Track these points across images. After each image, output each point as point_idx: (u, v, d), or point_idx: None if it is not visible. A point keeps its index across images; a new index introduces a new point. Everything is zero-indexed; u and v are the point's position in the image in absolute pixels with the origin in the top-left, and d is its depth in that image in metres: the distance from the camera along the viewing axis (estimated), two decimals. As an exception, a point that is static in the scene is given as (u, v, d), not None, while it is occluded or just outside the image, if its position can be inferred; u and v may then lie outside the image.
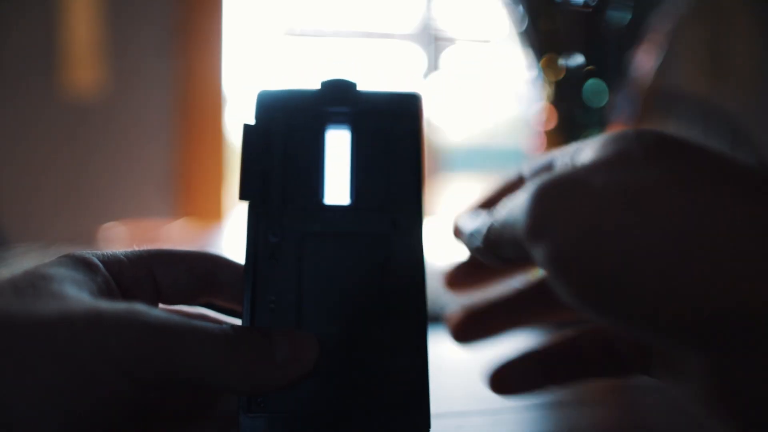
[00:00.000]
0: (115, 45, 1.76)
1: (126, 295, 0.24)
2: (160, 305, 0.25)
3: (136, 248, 0.25)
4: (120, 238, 0.87)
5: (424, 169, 0.26)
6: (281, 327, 0.23)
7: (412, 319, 0.24)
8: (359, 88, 0.26)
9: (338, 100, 0.26)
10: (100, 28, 1.75)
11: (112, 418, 0.19)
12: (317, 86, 0.26)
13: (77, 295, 0.20)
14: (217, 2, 1.87)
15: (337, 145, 0.26)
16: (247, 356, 0.21)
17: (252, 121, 0.25)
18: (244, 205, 0.25)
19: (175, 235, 0.90)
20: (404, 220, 0.25)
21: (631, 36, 0.52)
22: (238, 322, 0.27)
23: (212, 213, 1.84)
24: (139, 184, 1.80)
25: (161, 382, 0.20)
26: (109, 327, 0.19)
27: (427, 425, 0.23)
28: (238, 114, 1.91)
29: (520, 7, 0.53)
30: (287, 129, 0.25)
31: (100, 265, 0.23)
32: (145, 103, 1.80)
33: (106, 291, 0.22)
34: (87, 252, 0.23)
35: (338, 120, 0.26)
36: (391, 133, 0.26)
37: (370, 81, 0.26)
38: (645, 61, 0.53)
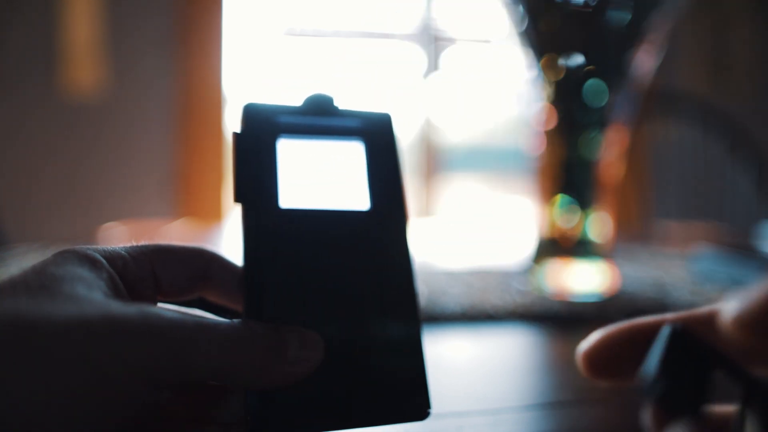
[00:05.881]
0: (115, 44, 1.76)
1: (129, 291, 0.24)
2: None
3: (136, 244, 0.25)
4: (120, 239, 0.87)
5: (403, 178, 0.28)
6: (286, 323, 0.24)
7: (405, 310, 0.25)
8: (336, 104, 0.28)
9: (320, 114, 0.28)
10: (100, 27, 1.75)
11: (126, 421, 0.19)
12: (300, 102, 0.28)
13: (88, 295, 0.20)
14: (217, 2, 1.87)
15: (330, 154, 0.27)
16: (261, 354, 0.21)
17: (240, 130, 0.26)
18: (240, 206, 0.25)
19: (175, 236, 0.90)
20: (390, 223, 0.27)
21: (631, 36, 0.52)
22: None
23: (212, 213, 1.84)
24: (139, 184, 1.80)
25: (176, 383, 0.20)
26: (124, 332, 0.19)
27: (428, 406, 0.24)
28: (236, 115, 1.90)
29: (520, 7, 0.53)
30: (273, 138, 0.27)
31: (104, 261, 0.23)
32: (145, 103, 1.80)
33: (112, 289, 0.22)
34: (89, 248, 0.23)
35: (319, 133, 0.27)
36: (372, 146, 0.28)
37: (363, 85, 0.28)
38: (645, 61, 0.53)
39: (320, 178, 0.27)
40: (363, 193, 0.27)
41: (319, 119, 0.28)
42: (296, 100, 0.28)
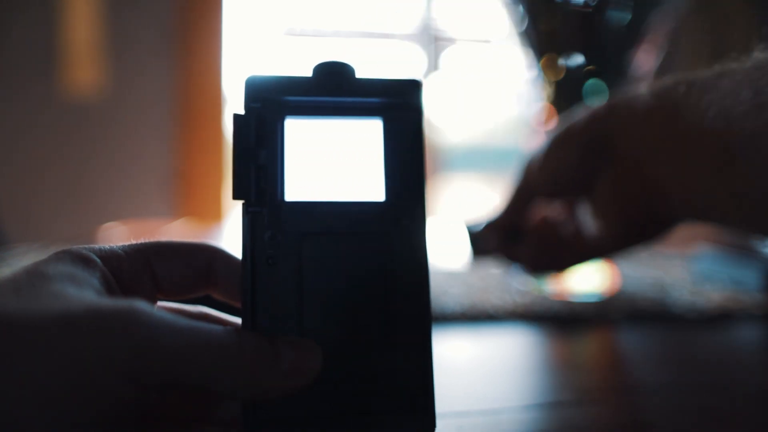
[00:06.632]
0: (115, 45, 1.76)
1: (125, 290, 0.23)
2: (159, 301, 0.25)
3: (134, 242, 0.24)
4: (120, 239, 0.87)
5: (426, 164, 0.25)
6: (283, 331, 0.23)
7: (415, 319, 0.24)
8: (351, 72, 0.24)
9: (333, 88, 0.24)
10: (100, 28, 1.75)
11: (113, 422, 0.19)
12: (310, 72, 0.24)
13: (77, 294, 0.20)
14: (217, 2, 1.87)
15: (334, 138, 0.25)
16: (252, 364, 0.21)
17: (241, 111, 0.24)
18: (240, 205, 0.24)
19: (175, 236, 0.90)
20: (407, 218, 0.24)
21: (631, 36, 0.52)
22: (238, 320, 0.27)
23: (212, 213, 1.84)
24: (139, 184, 1.80)
25: (164, 385, 0.20)
26: (107, 328, 0.19)
27: (433, 426, 0.23)
28: (238, 91, 1.91)
29: (520, 7, 0.53)
30: (279, 119, 0.24)
31: (98, 261, 0.22)
32: (145, 103, 1.80)
33: (105, 288, 0.22)
34: (84, 247, 0.23)
35: (332, 110, 0.24)
36: (392, 124, 0.24)
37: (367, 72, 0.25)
38: (645, 61, 0.53)
39: (331, 164, 0.24)
40: (378, 182, 0.24)
41: (332, 93, 0.24)
42: (306, 70, 0.24)
